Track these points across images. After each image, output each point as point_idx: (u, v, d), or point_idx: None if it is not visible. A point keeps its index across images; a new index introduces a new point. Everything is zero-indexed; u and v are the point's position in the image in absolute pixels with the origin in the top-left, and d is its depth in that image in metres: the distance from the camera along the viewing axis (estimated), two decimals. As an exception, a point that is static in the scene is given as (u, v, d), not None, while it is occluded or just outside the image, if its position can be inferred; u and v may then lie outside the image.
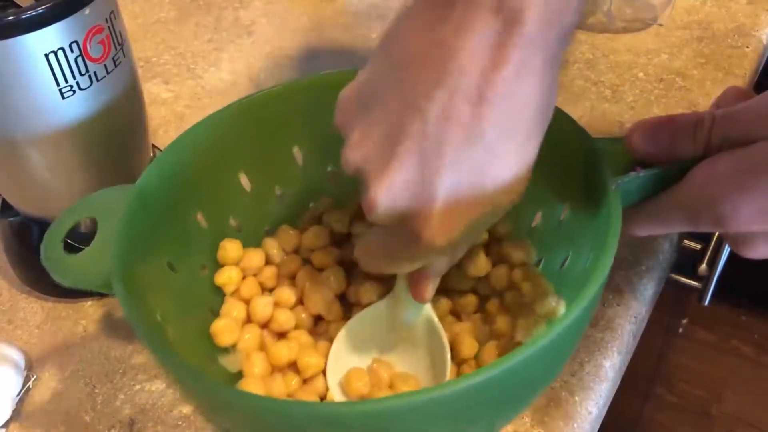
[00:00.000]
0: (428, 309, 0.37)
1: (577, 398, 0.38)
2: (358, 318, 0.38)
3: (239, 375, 0.36)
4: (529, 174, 0.27)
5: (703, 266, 0.53)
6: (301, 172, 0.42)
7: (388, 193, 0.26)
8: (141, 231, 0.34)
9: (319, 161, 0.42)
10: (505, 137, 0.25)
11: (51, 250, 0.33)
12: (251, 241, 0.41)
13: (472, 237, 0.30)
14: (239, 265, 0.39)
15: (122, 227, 0.33)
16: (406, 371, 0.37)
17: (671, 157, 0.32)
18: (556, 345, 0.28)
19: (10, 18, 0.34)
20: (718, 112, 0.31)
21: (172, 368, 0.29)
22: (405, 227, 0.27)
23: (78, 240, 0.44)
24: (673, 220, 0.32)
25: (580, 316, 0.27)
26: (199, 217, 0.39)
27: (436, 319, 0.37)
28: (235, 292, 0.39)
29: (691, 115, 0.31)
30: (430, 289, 0.35)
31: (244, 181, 0.41)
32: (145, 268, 0.34)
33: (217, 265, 0.39)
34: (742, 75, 0.59)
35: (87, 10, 0.37)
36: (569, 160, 0.34)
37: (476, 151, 0.25)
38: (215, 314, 0.38)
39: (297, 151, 0.42)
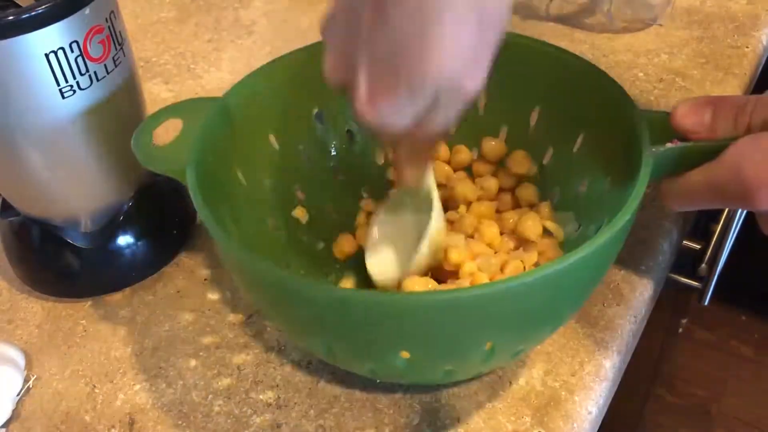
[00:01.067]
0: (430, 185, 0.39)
1: (577, 398, 0.38)
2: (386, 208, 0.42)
3: None
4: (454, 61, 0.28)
5: (703, 266, 0.53)
6: None
7: (331, 70, 0.30)
8: (218, 136, 0.39)
9: None
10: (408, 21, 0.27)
11: (142, 138, 0.38)
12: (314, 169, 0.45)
13: (405, 116, 0.30)
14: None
15: (203, 130, 0.38)
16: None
17: (710, 135, 0.33)
18: (604, 251, 0.32)
19: (11, 18, 0.34)
20: (761, 96, 0.32)
21: (238, 255, 0.32)
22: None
23: (78, 240, 0.44)
24: (703, 195, 0.33)
25: (622, 227, 0.31)
26: (272, 138, 0.43)
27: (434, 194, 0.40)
28: None
29: (737, 98, 0.33)
30: (409, 173, 0.37)
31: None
32: (216, 168, 0.38)
33: (280, 182, 0.43)
34: (741, 75, 0.59)
35: (87, 10, 0.37)
36: (613, 125, 0.37)
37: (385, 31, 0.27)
38: (275, 228, 0.43)
39: None
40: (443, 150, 0.45)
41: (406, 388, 0.39)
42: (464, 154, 0.45)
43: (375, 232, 0.41)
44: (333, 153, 0.46)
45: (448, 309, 0.30)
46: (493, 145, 0.44)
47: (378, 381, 0.39)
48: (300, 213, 0.45)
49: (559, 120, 0.42)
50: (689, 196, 0.34)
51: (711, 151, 0.32)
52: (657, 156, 0.33)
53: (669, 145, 0.33)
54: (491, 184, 0.43)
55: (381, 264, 0.41)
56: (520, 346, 0.35)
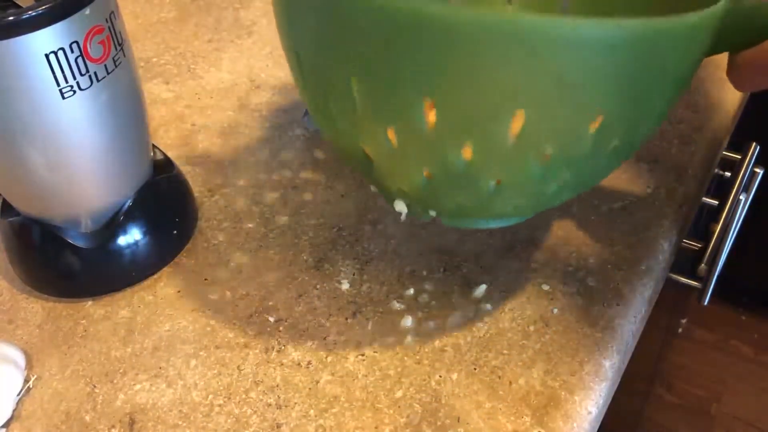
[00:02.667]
0: None
1: (576, 398, 0.38)
2: None
3: None
4: None
5: (703, 266, 0.53)
6: None
7: None
8: None
9: None
10: None
11: None
12: None
13: None
14: None
15: None
16: None
17: None
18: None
19: (11, 18, 0.34)
20: None
21: None
22: None
23: (78, 240, 0.44)
24: None
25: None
26: None
27: None
28: None
29: None
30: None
31: None
32: None
33: None
34: (741, 75, 0.59)
35: (87, 11, 0.37)
36: None
37: None
38: None
39: None
40: None
41: (406, 388, 0.39)
42: None
43: None
44: None
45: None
46: None
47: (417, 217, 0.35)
48: None
49: None
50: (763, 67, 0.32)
51: None
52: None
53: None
54: None
55: None
56: (618, 133, 0.31)
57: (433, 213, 0.37)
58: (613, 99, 0.30)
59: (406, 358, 0.41)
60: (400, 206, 0.38)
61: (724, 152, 0.58)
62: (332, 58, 0.31)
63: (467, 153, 0.31)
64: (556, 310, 0.43)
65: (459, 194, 0.34)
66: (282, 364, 0.41)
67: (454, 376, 0.40)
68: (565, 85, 0.28)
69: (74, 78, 0.38)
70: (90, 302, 0.46)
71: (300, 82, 0.36)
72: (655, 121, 0.34)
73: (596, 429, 0.39)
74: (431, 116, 0.30)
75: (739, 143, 0.59)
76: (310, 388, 0.40)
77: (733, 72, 0.34)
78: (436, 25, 0.27)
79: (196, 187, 0.53)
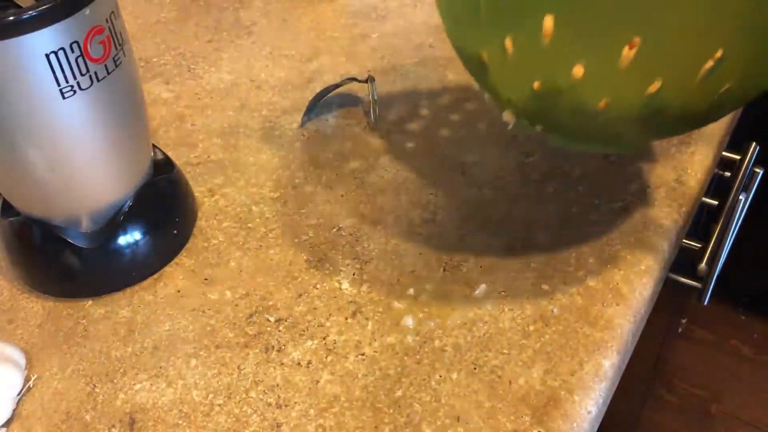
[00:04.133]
0: None
1: (576, 398, 0.38)
2: None
3: None
4: None
5: (703, 266, 0.53)
6: None
7: None
8: None
9: None
10: None
11: None
12: None
13: None
14: None
15: None
16: None
17: None
18: None
19: (11, 18, 0.34)
20: None
21: None
22: None
23: (78, 239, 0.44)
24: None
25: None
26: None
27: None
28: None
29: None
30: None
31: None
32: None
33: None
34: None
35: (87, 11, 0.37)
36: None
37: None
38: None
39: None
40: None
41: (406, 387, 0.39)
42: None
43: None
44: None
45: None
46: None
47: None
48: None
49: None
50: None
51: None
52: None
53: None
54: None
55: None
56: (731, 79, 0.30)
57: (539, 128, 0.38)
58: (736, 37, 0.29)
59: (406, 358, 0.41)
60: (508, 116, 0.38)
61: (724, 152, 0.58)
62: None
63: (578, 71, 0.31)
64: (556, 310, 0.43)
65: (564, 112, 0.35)
66: (282, 364, 0.41)
67: (454, 376, 0.40)
68: (687, 16, 0.28)
69: (74, 78, 0.38)
70: (90, 302, 0.46)
71: None
72: None
73: (596, 429, 0.39)
74: (548, 28, 0.30)
75: (739, 143, 0.59)
76: (310, 388, 0.40)
77: None
78: None
79: (196, 187, 0.53)
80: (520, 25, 0.31)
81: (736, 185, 0.57)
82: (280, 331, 0.43)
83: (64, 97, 0.38)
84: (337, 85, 0.60)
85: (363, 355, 0.41)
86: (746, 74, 0.32)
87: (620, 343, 0.41)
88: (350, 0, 0.74)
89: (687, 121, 0.36)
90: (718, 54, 0.30)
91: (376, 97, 0.58)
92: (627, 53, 0.30)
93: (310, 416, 0.38)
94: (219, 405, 0.39)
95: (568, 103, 0.34)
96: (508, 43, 0.33)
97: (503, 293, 0.44)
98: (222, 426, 0.38)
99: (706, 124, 0.38)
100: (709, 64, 0.30)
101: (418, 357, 0.41)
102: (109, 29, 0.39)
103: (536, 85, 0.34)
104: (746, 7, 0.28)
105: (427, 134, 0.56)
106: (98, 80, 0.39)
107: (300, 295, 0.45)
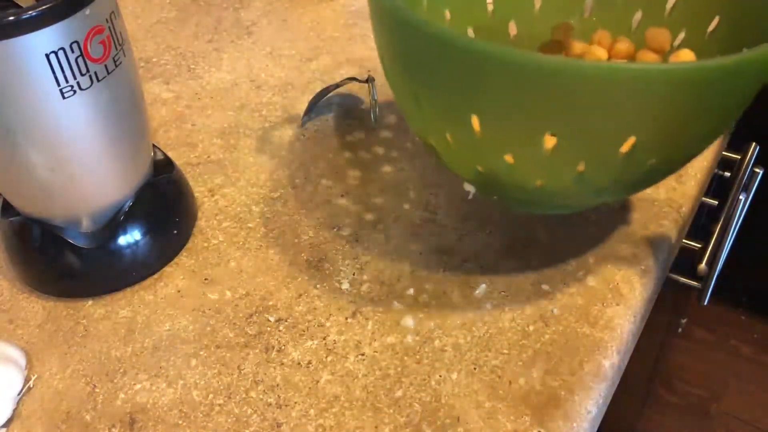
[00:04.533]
0: None
1: (576, 398, 0.38)
2: None
3: None
4: None
5: (703, 266, 0.53)
6: None
7: None
8: None
9: None
10: None
11: None
12: None
13: None
14: None
15: None
16: None
17: None
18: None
19: (11, 18, 0.34)
20: None
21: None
22: None
23: (78, 239, 0.44)
24: None
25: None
26: None
27: None
28: None
29: None
30: None
31: None
32: None
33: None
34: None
35: (87, 11, 0.37)
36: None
37: None
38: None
39: None
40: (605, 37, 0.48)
41: (406, 387, 0.39)
42: (626, 43, 0.47)
43: None
44: None
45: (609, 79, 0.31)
46: (658, 34, 0.46)
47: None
48: None
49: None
50: None
51: None
52: None
53: None
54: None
55: None
56: (654, 156, 0.35)
57: (495, 197, 0.44)
58: (646, 126, 0.34)
59: (406, 358, 0.41)
60: (469, 187, 0.45)
61: (724, 152, 0.58)
62: (403, 76, 0.39)
63: (510, 159, 0.37)
64: (556, 310, 0.43)
65: (509, 189, 0.41)
66: (282, 364, 0.41)
67: (454, 376, 0.40)
68: (595, 113, 0.33)
69: (74, 78, 0.38)
70: (90, 302, 0.46)
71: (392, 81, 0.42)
72: (698, 145, 0.38)
73: (596, 429, 0.39)
74: (477, 126, 0.36)
75: (739, 143, 0.59)
76: (310, 388, 0.40)
77: None
78: (490, 60, 0.33)
79: (196, 187, 0.53)
80: (454, 124, 0.37)
81: (736, 185, 0.57)
82: (280, 331, 0.43)
83: (64, 97, 0.38)
84: (337, 85, 0.60)
85: (363, 355, 0.41)
86: (667, 151, 0.36)
87: (620, 343, 0.41)
88: (350, 0, 0.74)
89: (625, 190, 0.41)
90: (632, 140, 0.34)
91: (376, 97, 0.58)
92: (547, 145, 0.35)
93: (310, 416, 0.38)
94: (219, 405, 0.39)
95: (509, 183, 0.39)
96: (449, 136, 0.38)
97: (503, 293, 0.44)
98: (222, 426, 0.38)
99: (648, 187, 0.42)
100: (626, 147, 0.34)
101: (418, 357, 0.41)
102: (109, 29, 0.39)
103: (479, 168, 0.39)
104: (651, 102, 0.32)
105: (427, 134, 0.56)
106: (98, 80, 0.39)
107: (300, 295, 0.45)
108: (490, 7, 0.50)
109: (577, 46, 0.48)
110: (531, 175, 0.38)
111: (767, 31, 0.37)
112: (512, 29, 0.51)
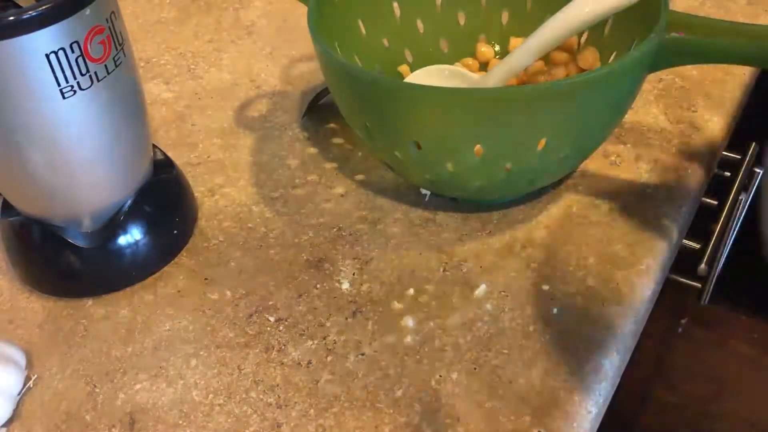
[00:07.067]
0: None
1: (576, 398, 0.38)
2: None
3: None
4: None
5: (703, 266, 0.53)
6: None
7: None
8: None
9: None
10: None
11: None
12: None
13: None
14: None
15: None
16: None
17: None
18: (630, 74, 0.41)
19: (11, 18, 0.34)
20: None
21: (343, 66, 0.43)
22: None
23: (79, 239, 0.44)
24: None
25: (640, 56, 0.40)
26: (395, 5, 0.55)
27: None
28: None
29: None
30: None
31: None
32: (341, 11, 0.50)
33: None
34: (741, 75, 0.59)
35: (87, 11, 0.37)
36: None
37: None
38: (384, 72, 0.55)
39: None
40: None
41: (406, 387, 0.39)
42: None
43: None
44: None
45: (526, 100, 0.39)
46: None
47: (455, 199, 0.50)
48: (404, 69, 0.56)
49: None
50: None
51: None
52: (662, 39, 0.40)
53: (674, 34, 0.41)
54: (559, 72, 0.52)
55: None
56: (565, 149, 0.43)
57: (448, 196, 0.50)
58: (554, 130, 0.41)
59: (406, 358, 0.41)
60: (424, 191, 0.51)
61: (724, 152, 0.58)
62: (351, 108, 0.47)
63: (450, 167, 0.44)
64: (556, 310, 0.43)
65: (455, 190, 0.48)
66: (282, 364, 0.41)
67: (454, 376, 0.40)
68: (511, 127, 0.41)
69: (75, 78, 0.38)
70: (90, 302, 0.46)
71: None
72: (599, 136, 0.46)
73: (596, 429, 0.39)
74: (418, 146, 0.43)
75: (739, 143, 0.59)
76: (310, 388, 0.40)
77: None
78: (415, 97, 0.41)
79: (196, 187, 0.53)
80: (399, 145, 0.44)
81: (736, 185, 0.57)
82: (280, 331, 0.43)
83: (64, 97, 0.38)
84: (337, 85, 0.60)
85: (363, 355, 0.41)
86: (574, 144, 0.44)
87: (620, 343, 0.41)
88: (350, 0, 0.74)
89: (551, 177, 0.48)
90: (543, 142, 0.42)
91: (376, 97, 0.58)
92: (477, 154, 0.42)
93: (310, 416, 0.38)
94: (219, 405, 0.39)
95: (455, 185, 0.47)
96: (398, 153, 0.45)
97: (503, 293, 0.44)
98: (222, 426, 0.38)
99: (563, 175, 0.50)
100: (540, 146, 0.42)
101: (418, 357, 0.41)
102: (109, 29, 0.39)
103: (427, 176, 0.46)
104: (552, 111, 0.40)
105: (427, 134, 0.56)
106: (98, 80, 0.39)
107: (300, 295, 0.45)
108: (421, 29, 0.57)
109: (559, 57, 0.53)
110: (470, 178, 0.45)
111: (651, 25, 0.42)
112: (443, 46, 0.57)
